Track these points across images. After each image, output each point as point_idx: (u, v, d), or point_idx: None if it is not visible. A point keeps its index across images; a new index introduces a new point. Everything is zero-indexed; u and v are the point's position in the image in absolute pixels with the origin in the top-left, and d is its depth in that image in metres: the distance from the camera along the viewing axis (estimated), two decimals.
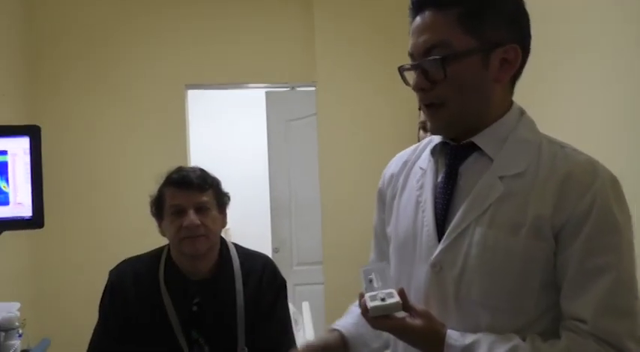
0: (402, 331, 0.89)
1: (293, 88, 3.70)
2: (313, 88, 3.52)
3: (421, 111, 1.70)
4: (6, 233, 1.62)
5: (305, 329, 2.22)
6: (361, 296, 0.96)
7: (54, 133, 3.02)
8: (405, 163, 1.09)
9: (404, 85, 0.97)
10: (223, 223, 1.46)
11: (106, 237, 3.24)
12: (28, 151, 1.54)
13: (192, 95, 3.54)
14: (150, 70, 3.38)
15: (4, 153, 1.54)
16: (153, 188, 1.48)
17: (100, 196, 3.30)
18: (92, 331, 1.45)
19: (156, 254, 1.47)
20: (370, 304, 0.92)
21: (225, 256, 1.46)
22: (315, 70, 3.46)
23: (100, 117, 3.32)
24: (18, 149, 1.54)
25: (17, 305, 1.54)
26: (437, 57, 0.87)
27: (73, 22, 3.35)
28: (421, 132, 1.79)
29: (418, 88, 0.92)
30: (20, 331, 1.43)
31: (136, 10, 3.39)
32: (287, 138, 3.60)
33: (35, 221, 1.54)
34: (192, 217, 1.35)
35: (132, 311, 1.39)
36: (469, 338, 0.85)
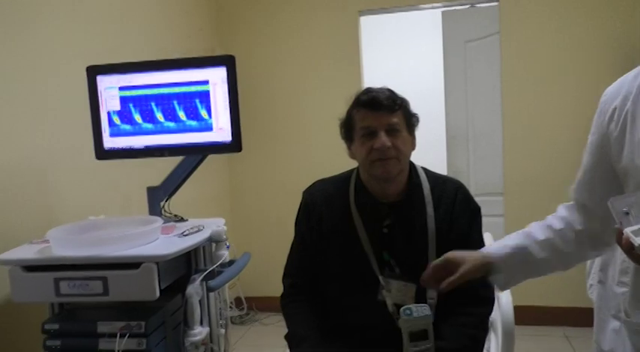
0: None
1: (472, 5, 3.38)
2: (496, 4, 3.18)
3: None
4: (209, 156, 1.81)
5: None
6: (619, 232, 0.85)
7: (244, 63, 3.25)
8: (627, 95, 0.96)
9: None
10: (413, 145, 1.40)
11: (297, 160, 3.46)
12: (225, 80, 1.66)
13: (365, 21, 3.47)
14: None
15: (205, 82, 1.68)
16: (334, 113, 1.48)
17: (289, 121, 3.49)
18: (286, 247, 1.55)
19: (345, 176, 1.49)
20: (638, 240, 0.81)
21: (415, 180, 1.42)
22: None
23: (283, 46, 3.45)
24: (217, 78, 1.66)
25: (223, 220, 1.72)
26: None
27: None
28: None
29: None
30: (228, 243, 1.60)
31: None
32: (465, 61, 3.34)
33: (234, 145, 1.68)
34: (384, 139, 1.31)
35: (325, 230, 1.44)
36: None
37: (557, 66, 3.05)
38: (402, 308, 1.32)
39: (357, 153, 1.39)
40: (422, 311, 1.32)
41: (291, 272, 1.51)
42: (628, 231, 0.84)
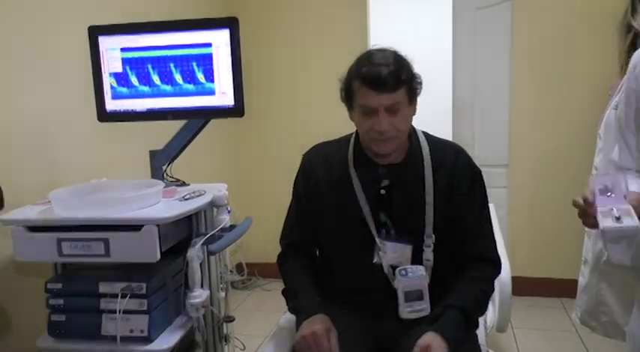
0: None
1: None
2: None
3: None
4: (212, 121, 1.80)
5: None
6: (589, 205, 0.87)
7: (247, 26, 3.19)
8: None
9: None
10: (414, 111, 1.37)
11: (300, 125, 3.43)
12: (228, 43, 1.63)
13: None
14: None
15: (208, 45, 1.65)
16: (339, 77, 1.43)
17: (292, 86, 3.45)
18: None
19: (345, 139, 1.49)
20: (603, 223, 0.84)
21: (415, 143, 1.41)
22: None
23: (287, 8, 3.39)
24: (220, 41, 1.63)
25: (225, 185, 1.72)
26: None
27: None
28: None
29: None
30: (229, 208, 1.60)
31: None
32: (475, 29, 3.27)
33: (237, 110, 1.66)
34: (383, 121, 1.27)
35: (323, 193, 1.45)
36: None
37: (570, 36, 2.97)
38: (397, 269, 1.35)
39: (357, 125, 1.37)
40: (417, 271, 1.35)
41: (288, 234, 1.55)
42: (599, 209, 0.89)
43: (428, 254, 1.36)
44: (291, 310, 1.44)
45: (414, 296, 1.34)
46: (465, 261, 1.39)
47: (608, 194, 0.90)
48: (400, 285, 1.34)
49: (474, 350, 1.36)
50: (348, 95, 1.36)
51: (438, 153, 1.41)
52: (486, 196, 1.44)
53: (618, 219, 0.85)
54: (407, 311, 1.34)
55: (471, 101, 3.35)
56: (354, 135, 1.46)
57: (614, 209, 0.86)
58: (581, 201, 0.98)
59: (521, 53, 3.06)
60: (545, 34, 3.01)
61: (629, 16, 1.48)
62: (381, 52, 1.31)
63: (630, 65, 1.25)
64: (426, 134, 1.46)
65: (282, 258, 1.54)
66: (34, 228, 1.40)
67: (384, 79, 1.24)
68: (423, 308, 1.34)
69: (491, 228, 1.44)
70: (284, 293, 1.48)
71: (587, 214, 0.97)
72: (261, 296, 3.39)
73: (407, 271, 1.34)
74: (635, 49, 1.51)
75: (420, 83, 1.34)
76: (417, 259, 1.37)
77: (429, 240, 1.36)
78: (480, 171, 1.43)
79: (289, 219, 1.55)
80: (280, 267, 1.53)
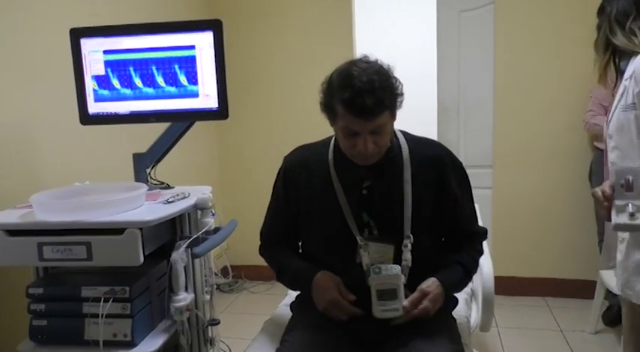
0: None
1: None
2: None
3: None
4: (197, 123, 1.79)
5: None
6: (607, 198, 0.88)
7: (232, 28, 3.19)
8: None
9: None
10: (394, 120, 1.36)
11: (285, 127, 3.44)
12: (212, 45, 1.63)
13: None
14: None
15: (191, 47, 1.65)
16: (323, 79, 1.44)
17: (277, 88, 3.46)
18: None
19: (326, 141, 1.50)
20: (616, 219, 0.85)
21: (395, 143, 1.42)
22: None
23: (272, 10, 3.39)
24: (204, 43, 1.63)
25: (209, 188, 1.72)
26: None
27: None
28: None
29: None
30: (213, 211, 1.60)
31: None
32: (459, 32, 3.30)
33: (221, 112, 1.66)
34: (368, 143, 1.27)
35: (305, 194, 1.46)
36: None
37: (552, 38, 3.01)
38: (371, 267, 1.34)
39: (339, 140, 1.37)
40: (391, 269, 1.32)
41: (266, 228, 1.61)
42: (615, 203, 0.90)
43: (406, 254, 1.37)
44: (290, 284, 1.52)
45: (387, 295, 1.30)
46: (459, 237, 1.48)
47: (628, 188, 0.90)
48: (373, 283, 1.32)
49: (452, 337, 1.37)
50: (329, 113, 1.33)
51: (419, 151, 1.42)
52: (468, 179, 1.50)
53: (632, 215, 0.85)
54: (380, 309, 1.30)
55: (455, 102, 3.37)
56: (334, 137, 1.47)
57: (630, 205, 0.87)
58: (599, 194, 1.00)
59: (505, 54, 3.09)
60: (528, 36, 3.04)
61: (607, 34, 1.51)
62: (363, 72, 1.24)
63: None
64: (404, 133, 1.47)
65: (262, 249, 1.61)
66: (15, 232, 1.38)
67: (370, 109, 1.22)
68: (395, 307, 1.30)
69: (473, 201, 1.52)
70: (277, 277, 1.53)
71: (604, 206, 0.99)
72: (248, 299, 3.38)
73: (380, 269, 1.32)
74: (615, 62, 1.52)
75: (402, 95, 1.31)
76: (399, 259, 1.37)
77: (407, 241, 1.37)
78: (462, 164, 1.48)
79: (267, 218, 1.61)
80: (263, 255, 1.60)
